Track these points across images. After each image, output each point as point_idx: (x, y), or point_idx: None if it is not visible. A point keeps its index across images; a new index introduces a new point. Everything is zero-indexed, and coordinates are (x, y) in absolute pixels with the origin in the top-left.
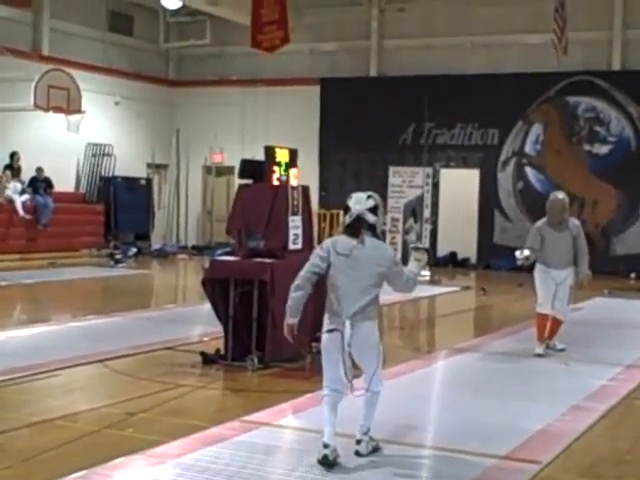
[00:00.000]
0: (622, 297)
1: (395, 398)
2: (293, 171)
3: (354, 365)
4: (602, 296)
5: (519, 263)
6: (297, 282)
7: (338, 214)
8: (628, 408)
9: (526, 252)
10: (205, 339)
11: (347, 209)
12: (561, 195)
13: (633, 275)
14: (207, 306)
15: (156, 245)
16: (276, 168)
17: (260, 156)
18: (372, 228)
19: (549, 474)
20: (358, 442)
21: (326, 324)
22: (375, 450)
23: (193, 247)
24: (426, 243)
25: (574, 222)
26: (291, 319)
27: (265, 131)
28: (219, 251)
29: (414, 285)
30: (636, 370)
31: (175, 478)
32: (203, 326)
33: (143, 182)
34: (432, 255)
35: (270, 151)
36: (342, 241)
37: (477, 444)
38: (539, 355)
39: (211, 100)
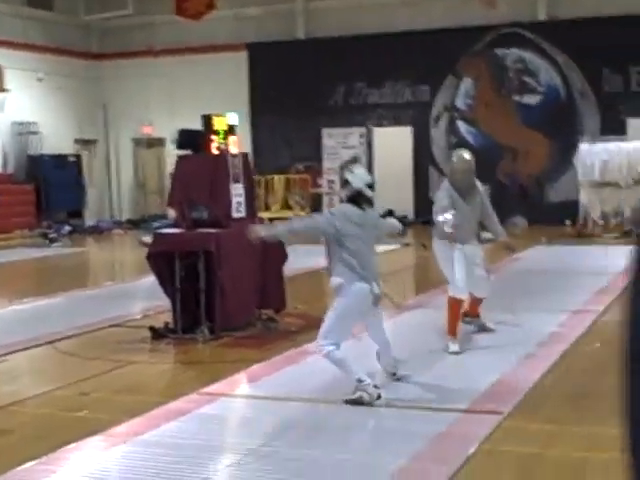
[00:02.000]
0: (560, 244)
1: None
2: (232, 139)
3: None
4: (540, 244)
5: (447, 230)
6: (297, 226)
7: (272, 179)
8: (580, 353)
9: (449, 215)
10: (150, 313)
11: (346, 182)
12: (467, 155)
13: (568, 222)
14: (148, 280)
15: (90, 222)
16: (214, 137)
17: (191, 126)
18: (370, 200)
19: (512, 423)
20: (396, 377)
21: (354, 283)
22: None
23: (128, 221)
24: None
25: (478, 184)
26: (266, 235)
27: (194, 100)
28: (155, 223)
29: (399, 226)
30: (582, 315)
31: (140, 456)
32: (146, 301)
33: (72, 159)
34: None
35: (207, 119)
36: (352, 211)
37: (437, 400)
38: (456, 353)
39: (137, 72)
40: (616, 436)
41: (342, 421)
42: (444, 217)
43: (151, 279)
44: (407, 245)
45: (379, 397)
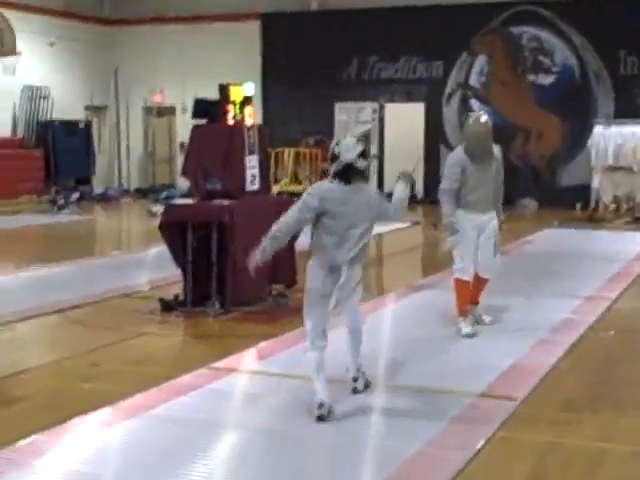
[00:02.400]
0: (571, 228)
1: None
2: (248, 109)
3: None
4: (551, 227)
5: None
6: (277, 233)
7: (283, 152)
8: (594, 340)
9: (452, 237)
10: (159, 285)
11: (334, 157)
12: (484, 118)
13: (579, 205)
14: (156, 251)
15: (98, 189)
16: (230, 107)
17: (202, 95)
18: (363, 174)
19: (526, 410)
20: (355, 379)
21: (317, 269)
22: (367, 386)
23: (136, 190)
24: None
25: (498, 150)
26: (261, 262)
27: (206, 70)
28: (164, 193)
29: (402, 212)
30: (595, 301)
31: (149, 431)
32: (155, 272)
33: (82, 125)
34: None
35: (224, 89)
36: (336, 189)
37: (451, 382)
38: (469, 335)
39: (149, 39)
40: (633, 427)
41: (353, 402)
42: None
43: (159, 250)
44: (417, 224)
45: (320, 418)
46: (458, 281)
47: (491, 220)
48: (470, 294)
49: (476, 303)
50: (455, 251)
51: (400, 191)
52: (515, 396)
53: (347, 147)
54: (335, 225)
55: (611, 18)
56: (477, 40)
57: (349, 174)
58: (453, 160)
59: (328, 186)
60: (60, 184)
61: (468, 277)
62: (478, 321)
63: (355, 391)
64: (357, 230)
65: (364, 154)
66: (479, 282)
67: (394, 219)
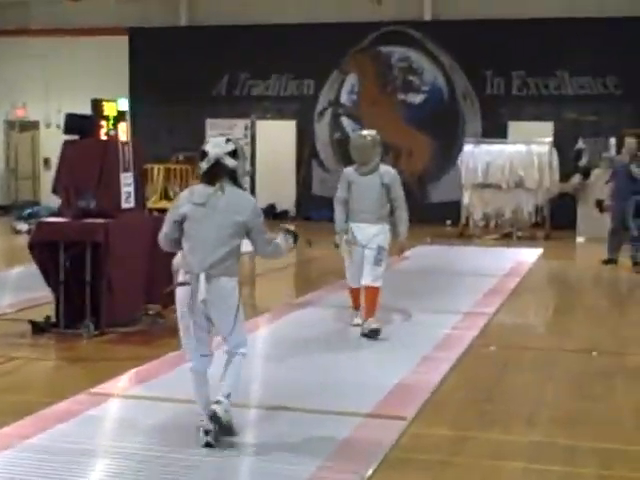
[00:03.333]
0: (443, 244)
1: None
2: (122, 125)
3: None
4: (424, 244)
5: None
6: (161, 244)
7: (152, 169)
8: (476, 356)
9: (340, 238)
10: (26, 306)
11: (204, 154)
12: (366, 132)
13: (449, 222)
14: (21, 270)
15: None
16: (104, 122)
17: (70, 110)
18: (232, 174)
19: (417, 430)
20: (217, 402)
21: (177, 278)
22: (228, 428)
23: None
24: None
25: (387, 169)
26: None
27: (72, 84)
28: (27, 210)
29: (279, 252)
30: (474, 317)
31: (25, 462)
32: (22, 292)
33: None
34: (298, 237)
35: (97, 104)
36: (198, 190)
37: (339, 403)
38: (358, 325)
39: (11, 51)
40: (523, 444)
41: (237, 424)
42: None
43: (26, 269)
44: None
45: (207, 445)
46: (350, 288)
47: (378, 232)
48: (365, 305)
49: (370, 316)
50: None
51: (282, 239)
52: (404, 415)
53: (215, 143)
54: (193, 228)
55: (478, 39)
56: (348, 59)
57: (215, 172)
58: (343, 173)
59: (193, 188)
60: None
61: (352, 285)
62: (364, 326)
63: (212, 414)
64: (216, 234)
65: (234, 154)
66: (369, 292)
67: (270, 252)
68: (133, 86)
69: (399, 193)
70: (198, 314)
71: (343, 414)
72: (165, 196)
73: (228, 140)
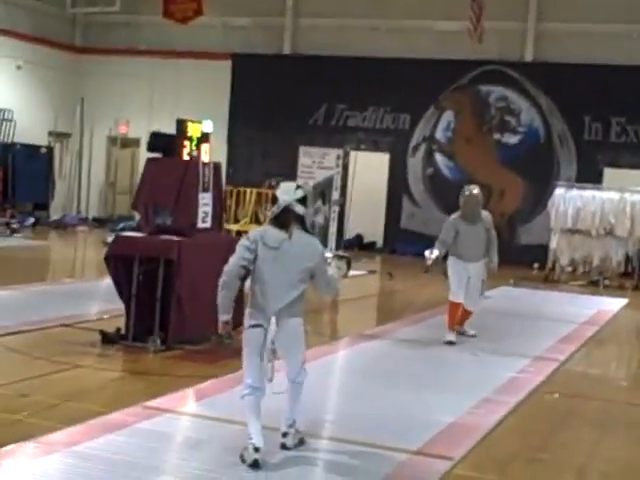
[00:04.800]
0: (526, 287)
1: (304, 387)
2: (205, 146)
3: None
4: (507, 285)
5: (428, 263)
6: (224, 278)
7: (245, 192)
8: (538, 402)
9: (435, 252)
10: (105, 317)
11: (275, 199)
12: (476, 190)
13: (536, 265)
14: (107, 282)
15: (55, 216)
16: (187, 143)
17: (167, 130)
18: (301, 220)
19: (461, 472)
20: (284, 435)
21: (249, 318)
22: (301, 443)
23: (94, 219)
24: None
25: (487, 215)
26: (224, 316)
27: (173, 104)
28: (121, 224)
29: (336, 289)
30: (543, 362)
31: (68, 469)
32: (103, 303)
33: (44, 150)
34: (351, 265)
35: (182, 125)
36: (271, 233)
37: (389, 438)
38: (450, 342)
39: (118, 70)
40: None
41: (285, 452)
42: (428, 253)
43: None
44: (373, 272)
45: (255, 463)
46: (451, 303)
47: (479, 268)
48: (459, 318)
49: (461, 325)
50: (450, 280)
51: (335, 272)
52: (451, 455)
53: (285, 190)
54: (265, 271)
55: (578, 83)
56: (445, 95)
57: (285, 217)
58: (448, 224)
59: (265, 228)
60: (17, 207)
61: (459, 300)
62: (463, 333)
63: (283, 447)
64: (287, 279)
65: (304, 200)
66: (464, 312)
67: (328, 290)
68: (233, 110)
69: (493, 233)
70: (265, 351)
71: (391, 449)
72: (255, 219)
73: (298, 187)
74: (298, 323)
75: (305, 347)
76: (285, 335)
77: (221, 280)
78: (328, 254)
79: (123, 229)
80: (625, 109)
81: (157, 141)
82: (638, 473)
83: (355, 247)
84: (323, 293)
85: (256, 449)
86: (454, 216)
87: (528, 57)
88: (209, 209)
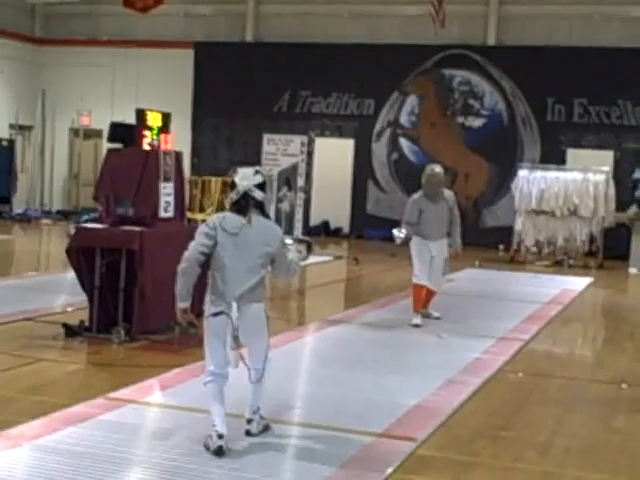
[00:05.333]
0: (492, 268)
1: (268, 373)
2: (165, 136)
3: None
4: (473, 267)
5: (398, 242)
6: (183, 265)
7: (210, 181)
8: (502, 382)
9: (404, 231)
10: (69, 310)
11: (233, 185)
12: (438, 169)
13: (502, 247)
14: (72, 274)
15: (18, 209)
16: (147, 132)
17: (131, 120)
18: (260, 205)
19: (425, 452)
20: (249, 421)
21: (210, 306)
22: (266, 429)
23: (58, 212)
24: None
25: (449, 193)
26: (182, 303)
27: (136, 94)
28: (84, 216)
29: (295, 273)
30: (508, 342)
31: (32, 462)
32: (67, 296)
33: (5, 143)
34: (312, 248)
35: (141, 114)
36: (230, 219)
37: (353, 421)
38: (416, 325)
39: (79, 60)
40: (532, 472)
41: (249, 439)
42: (397, 232)
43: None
44: (339, 258)
45: (219, 450)
46: (415, 285)
47: (442, 247)
48: (423, 300)
49: (425, 307)
50: (413, 262)
51: (295, 256)
52: (415, 437)
53: (244, 175)
54: (224, 257)
55: (540, 65)
56: (409, 80)
57: (244, 203)
58: (411, 203)
59: (223, 215)
60: None
61: (422, 282)
62: (428, 316)
63: (248, 433)
64: (247, 264)
65: (262, 186)
66: (428, 292)
67: (287, 275)
68: (196, 99)
69: (456, 212)
70: (231, 338)
71: (354, 432)
72: (221, 208)
73: (257, 172)
74: (260, 308)
75: (268, 333)
76: (246, 321)
77: (180, 267)
78: (288, 239)
79: (87, 221)
80: (587, 90)
81: (117, 131)
82: (599, 447)
83: (322, 233)
84: (283, 277)
85: (220, 436)
86: (416, 196)
87: (491, 41)
88: (171, 199)
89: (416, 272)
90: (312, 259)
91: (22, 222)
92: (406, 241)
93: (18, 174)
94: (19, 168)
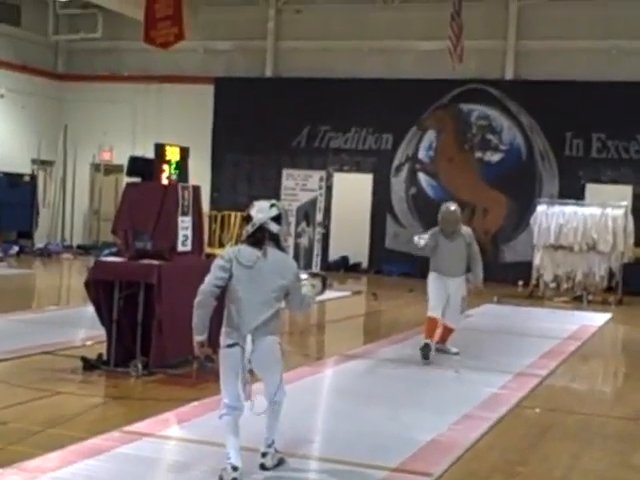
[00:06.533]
0: (510, 304)
1: (285, 407)
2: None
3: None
4: (491, 303)
5: (420, 246)
6: (199, 298)
7: (229, 215)
8: (519, 417)
9: (425, 237)
10: (88, 343)
11: (249, 218)
12: (453, 207)
13: (521, 282)
14: (91, 308)
15: (39, 244)
16: (166, 167)
17: (151, 155)
18: (275, 238)
19: None
20: (263, 455)
21: (225, 338)
22: (280, 463)
23: (79, 247)
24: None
25: (467, 230)
26: (199, 337)
27: (156, 130)
28: (105, 251)
29: (309, 307)
30: (525, 378)
31: None
32: (86, 330)
33: (27, 178)
34: (327, 283)
35: (160, 149)
36: (245, 251)
37: (369, 455)
38: (426, 345)
39: (101, 96)
40: None
41: (264, 472)
42: (418, 238)
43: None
44: (358, 293)
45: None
46: (428, 318)
47: (459, 284)
48: (440, 336)
49: (442, 343)
50: (429, 295)
51: (309, 290)
52: (430, 472)
53: (260, 208)
54: (239, 290)
55: (558, 100)
56: (427, 115)
57: (259, 236)
58: (429, 234)
59: (238, 248)
60: (0, 236)
61: (436, 315)
62: (446, 351)
63: (262, 467)
64: (262, 297)
65: (278, 219)
66: (446, 329)
67: (301, 309)
68: (216, 134)
69: (476, 248)
70: (243, 370)
71: (370, 467)
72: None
73: (272, 205)
74: (274, 341)
75: (283, 366)
76: (261, 353)
77: (196, 300)
78: (303, 274)
79: (108, 256)
80: (605, 125)
81: (136, 165)
82: None
83: (341, 268)
84: (296, 311)
85: (234, 468)
86: (436, 228)
87: (508, 75)
88: (189, 232)
89: (431, 304)
90: (331, 294)
91: (43, 257)
92: (424, 248)
93: (40, 209)
94: (41, 203)
